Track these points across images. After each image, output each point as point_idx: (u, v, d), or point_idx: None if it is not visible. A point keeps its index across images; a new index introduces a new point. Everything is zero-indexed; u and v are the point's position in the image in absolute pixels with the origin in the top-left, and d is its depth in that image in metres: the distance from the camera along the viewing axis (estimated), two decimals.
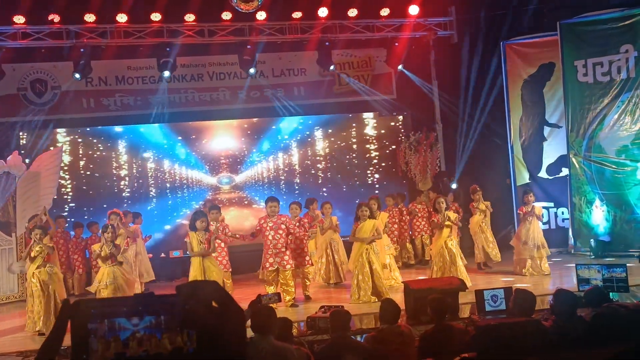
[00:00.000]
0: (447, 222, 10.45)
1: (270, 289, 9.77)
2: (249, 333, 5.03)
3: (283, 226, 9.97)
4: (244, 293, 11.35)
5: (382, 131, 15.78)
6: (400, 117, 15.78)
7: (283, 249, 9.90)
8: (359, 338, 6.37)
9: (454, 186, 14.52)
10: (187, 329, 1.25)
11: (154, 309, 1.29)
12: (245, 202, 15.18)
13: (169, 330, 1.27)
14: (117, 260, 9.20)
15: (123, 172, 14.74)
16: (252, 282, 12.54)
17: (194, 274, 9.32)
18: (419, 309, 7.68)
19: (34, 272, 9.03)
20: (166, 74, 14.05)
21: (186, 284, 1.30)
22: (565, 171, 13.72)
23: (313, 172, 15.52)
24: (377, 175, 15.70)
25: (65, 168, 14.23)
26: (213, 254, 9.76)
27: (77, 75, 13.65)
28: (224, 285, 9.61)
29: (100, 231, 9.96)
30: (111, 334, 1.27)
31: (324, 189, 15.38)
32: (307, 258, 10.53)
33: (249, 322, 5.19)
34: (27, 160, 12.81)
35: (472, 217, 12.10)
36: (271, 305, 5.23)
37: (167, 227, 14.76)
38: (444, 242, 10.37)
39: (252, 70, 14.37)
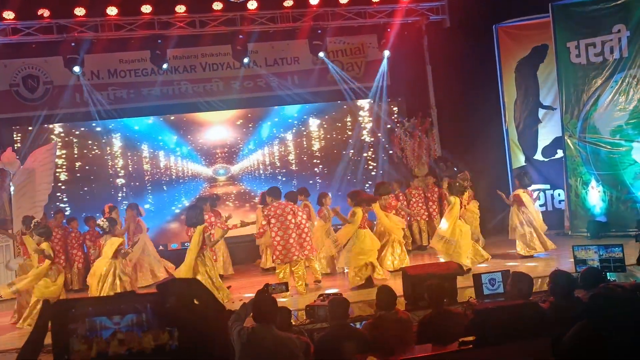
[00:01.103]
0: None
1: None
2: (251, 323, 5.06)
3: (290, 217, 9.99)
4: (241, 283, 11.42)
5: (377, 117, 15.75)
6: (395, 104, 15.75)
7: (294, 240, 9.95)
8: (357, 325, 6.37)
9: (455, 169, 14.50)
10: (169, 327, 1.24)
11: (135, 308, 1.28)
12: (242, 193, 15.16)
13: (151, 328, 1.26)
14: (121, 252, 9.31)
15: (118, 166, 14.70)
16: (252, 272, 12.59)
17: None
18: (417, 294, 7.70)
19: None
20: (165, 66, 13.97)
21: (167, 282, 1.29)
22: (560, 153, 13.73)
23: (309, 160, 15.50)
24: (372, 162, 15.68)
25: (60, 163, 14.20)
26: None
27: (77, 69, 13.55)
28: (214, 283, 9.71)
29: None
30: (92, 333, 1.26)
31: (320, 177, 15.37)
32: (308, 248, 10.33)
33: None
34: (21, 157, 12.80)
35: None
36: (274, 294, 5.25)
37: (164, 219, 14.75)
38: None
39: (246, 60, 14.30)
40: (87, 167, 14.52)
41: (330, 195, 12.12)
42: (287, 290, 5.84)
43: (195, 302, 1.24)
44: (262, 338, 4.83)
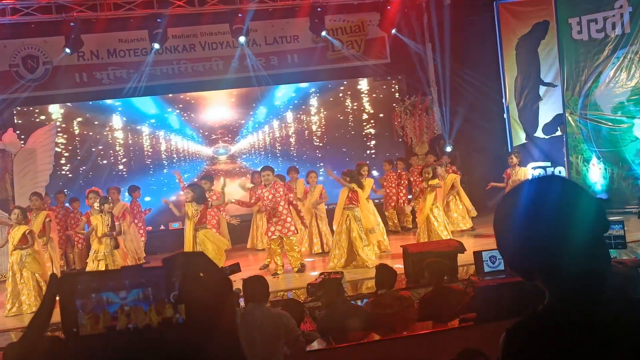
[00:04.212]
0: (429, 188, 10.59)
1: (277, 259, 9.90)
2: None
3: (281, 193, 10.02)
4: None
5: (377, 96, 15.70)
6: (395, 82, 15.70)
7: (284, 217, 9.95)
8: (359, 303, 6.42)
9: (448, 149, 14.51)
10: (176, 301, 1.25)
11: (141, 282, 1.29)
12: (243, 172, 15.15)
13: (157, 302, 1.27)
14: (113, 235, 9.32)
15: (118, 146, 14.69)
16: (243, 252, 12.63)
17: (187, 248, 9.53)
18: (418, 272, 7.74)
19: (12, 253, 9.13)
20: (156, 46, 13.90)
21: (173, 255, 1.30)
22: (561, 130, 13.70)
23: (309, 139, 15.47)
24: (373, 141, 15.65)
25: (60, 143, 14.20)
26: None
27: (68, 50, 13.51)
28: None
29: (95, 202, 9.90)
30: (99, 308, 1.27)
31: (320, 156, 15.35)
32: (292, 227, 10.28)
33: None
34: (22, 137, 12.83)
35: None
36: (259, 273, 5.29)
37: (165, 199, 14.73)
38: (429, 209, 10.49)
39: (242, 39, 14.12)
40: (87, 148, 14.49)
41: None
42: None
43: (201, 275, 1.25)
44: (256, 317, 4.87)
